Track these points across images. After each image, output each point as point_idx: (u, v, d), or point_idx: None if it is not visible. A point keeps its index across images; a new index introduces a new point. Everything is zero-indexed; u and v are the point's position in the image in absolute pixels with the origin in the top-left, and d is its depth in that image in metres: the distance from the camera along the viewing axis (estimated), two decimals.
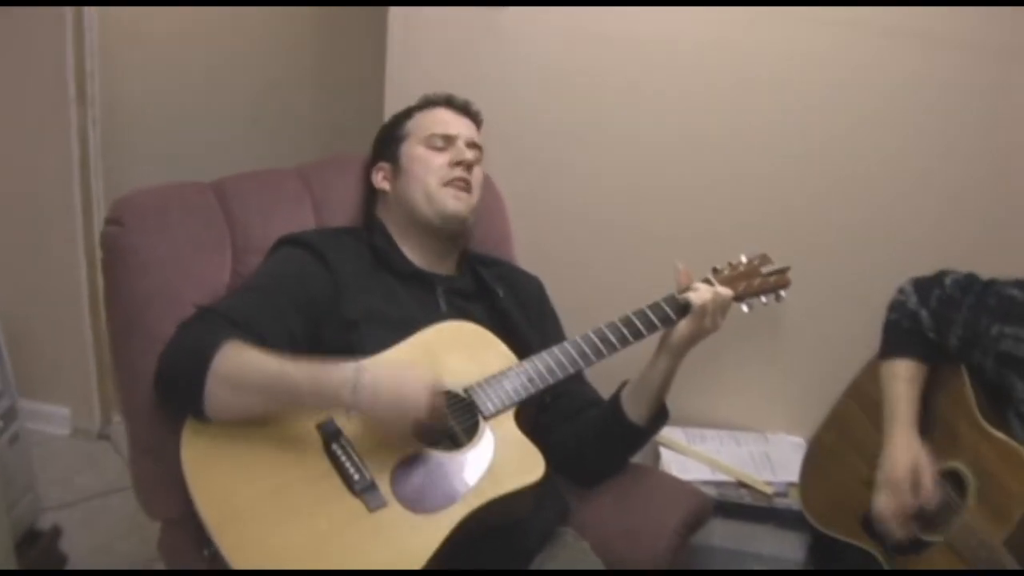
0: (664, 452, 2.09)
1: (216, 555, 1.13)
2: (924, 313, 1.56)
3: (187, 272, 1.43)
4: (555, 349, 1.40)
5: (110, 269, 1.42)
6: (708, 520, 1.55)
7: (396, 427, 1.22)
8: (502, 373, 1.36)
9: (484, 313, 1.52)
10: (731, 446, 2.15)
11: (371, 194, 1.61)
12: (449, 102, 1.60)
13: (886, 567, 1.53)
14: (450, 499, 1.21)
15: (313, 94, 3.30)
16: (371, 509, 1.18)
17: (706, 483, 1.96)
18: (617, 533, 1.45)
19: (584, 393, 1.54)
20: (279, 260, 1.44)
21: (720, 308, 1.42)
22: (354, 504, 1.18)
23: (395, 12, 2.09)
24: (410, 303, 1.46)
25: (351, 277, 1.42)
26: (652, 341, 1.44)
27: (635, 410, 1.44)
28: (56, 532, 2.04)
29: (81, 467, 2.43)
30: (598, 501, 1.50)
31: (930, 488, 1.45)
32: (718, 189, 2.12)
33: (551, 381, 1.37)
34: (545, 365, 1.37)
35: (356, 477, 1.20)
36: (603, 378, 1.52)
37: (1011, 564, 1.33)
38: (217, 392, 1.18)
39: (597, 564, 1.38)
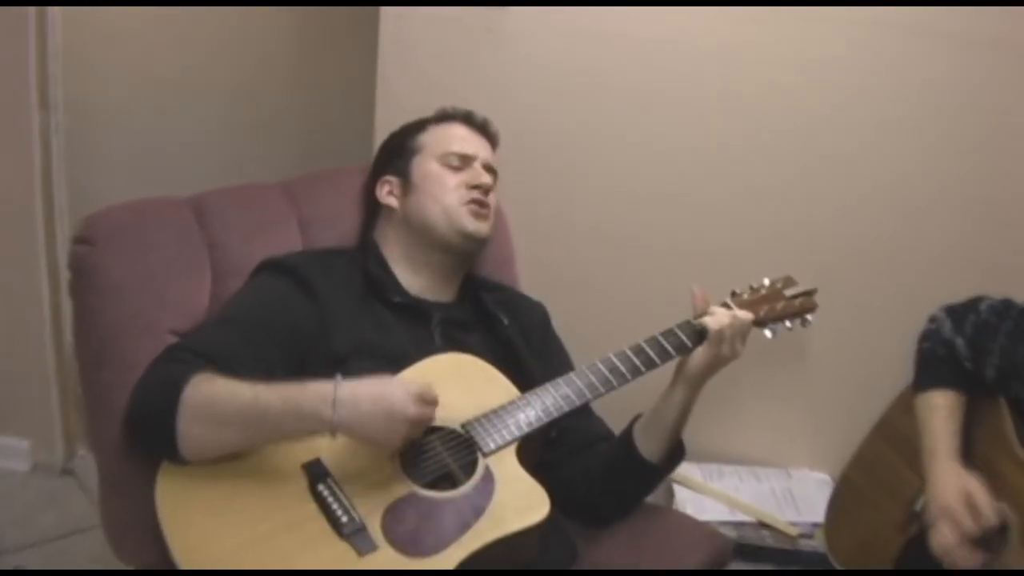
0: (678, 490, 2.09)
1: None
2: (960, 341, 1.56)
3: (162, 296, 1.44)
4: (561, 380, 1.40)
5: (79, 292, 1.43)
6: (727, 564, 1.55)
7: (386, 444, 1.23)
8: (503, 407, 1.37)
9: (484, 343, 1.52)
10: (751, 483, 2.15)
11: (371, 209, 1.61)
12: (468, 119, 1.61)
13: None
14: (446, 542, 1.22)
15: (294, 99, 3.30)
16: (360, 554, 1.18)
17: (724, 524, 1.96)
18: None
19: (593, 427, 1.55)
20: (259, 288, 1.45)
21: (739, 333, 1.43)
22: (342, 548, 1.18)
23: (387, 12, 2.10)
24: (402, 336, 1.46)
25: (340, 308, 1.42)
26: (667, 371, 1.44)
27: (648, 446, 1.44)
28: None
29: (43, 505, 2.42)
30: (608, 544, 1.50)
31: (988, 507, 1.41)
32: (736, 203, 2.11)
33: (556, 415, 1.37)
34: (550, 397, 1.38)
35: (344, 519, 1.20)
36: (614, 412, 1.52)
37: None
38: (190, 429, 1.19)
39: None
